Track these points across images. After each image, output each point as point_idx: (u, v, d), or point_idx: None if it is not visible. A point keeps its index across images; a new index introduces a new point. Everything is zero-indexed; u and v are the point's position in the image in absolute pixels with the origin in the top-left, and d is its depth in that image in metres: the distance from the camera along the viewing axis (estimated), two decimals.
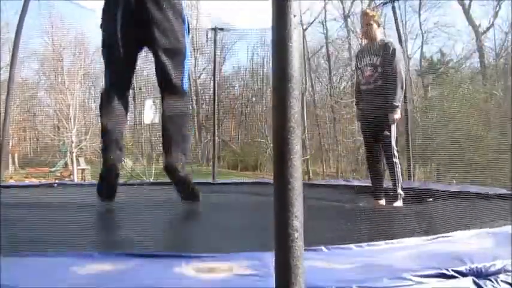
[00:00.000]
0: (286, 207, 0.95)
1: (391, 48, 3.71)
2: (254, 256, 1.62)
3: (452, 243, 1.86)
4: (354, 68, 4.21)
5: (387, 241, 1.83)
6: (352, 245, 1.79)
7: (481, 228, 2.09)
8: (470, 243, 1.84)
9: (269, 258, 1.48)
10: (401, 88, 3.69)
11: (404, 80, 3.75)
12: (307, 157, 11.35)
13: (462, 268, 1.44)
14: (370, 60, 3.82)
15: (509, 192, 3.75)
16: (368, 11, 4.13)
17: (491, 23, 12.82)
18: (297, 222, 0.93)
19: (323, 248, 1.74)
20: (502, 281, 1.48)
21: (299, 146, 0.99)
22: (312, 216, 1.41)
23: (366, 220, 2.70)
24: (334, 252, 1.73)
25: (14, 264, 1.61)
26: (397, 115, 3.66)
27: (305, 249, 0.96)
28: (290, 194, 0.95)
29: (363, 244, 1.78)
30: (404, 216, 3.00)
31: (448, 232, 1.98)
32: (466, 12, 12.64)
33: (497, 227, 2.11)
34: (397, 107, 3.66)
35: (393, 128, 3.69)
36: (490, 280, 1.45)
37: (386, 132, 3.68)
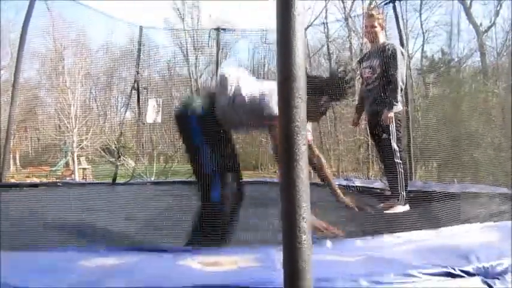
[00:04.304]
0: (294, 209, 0.93)
1: (390, 50, 3.67)
2: (258, 250, 1.61)
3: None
4: (356, 71, 4.16)
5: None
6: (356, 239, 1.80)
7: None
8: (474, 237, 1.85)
9: (273, 252, 1.48)
10: (400, 87, 3.65)
11: (403, 79, 3.72)
12: None
13: (469, 268, 1.43)
14: (370, 62, 3.81)
15: (509, 192, 3.72)
16: (373, 12, 4.05)
17: (492, 21, 12.77)
18: (305, 224, 0.91)
19: (328, 242, 1.75)
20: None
21: (305, 146, 0.97)
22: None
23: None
24: (338, 247, 1.74)
25: (16, 259, 1.61)
26: (390, 113, 3.60)
27: None
28: (297, 196, 0.93)
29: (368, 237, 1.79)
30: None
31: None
32: (467, 11, 12.58)
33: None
34: (393, 105, 3.61)
35: (392, 127, 3.64)
36: (498, 279, 1.44)
37: (385, 135, 3.65)
